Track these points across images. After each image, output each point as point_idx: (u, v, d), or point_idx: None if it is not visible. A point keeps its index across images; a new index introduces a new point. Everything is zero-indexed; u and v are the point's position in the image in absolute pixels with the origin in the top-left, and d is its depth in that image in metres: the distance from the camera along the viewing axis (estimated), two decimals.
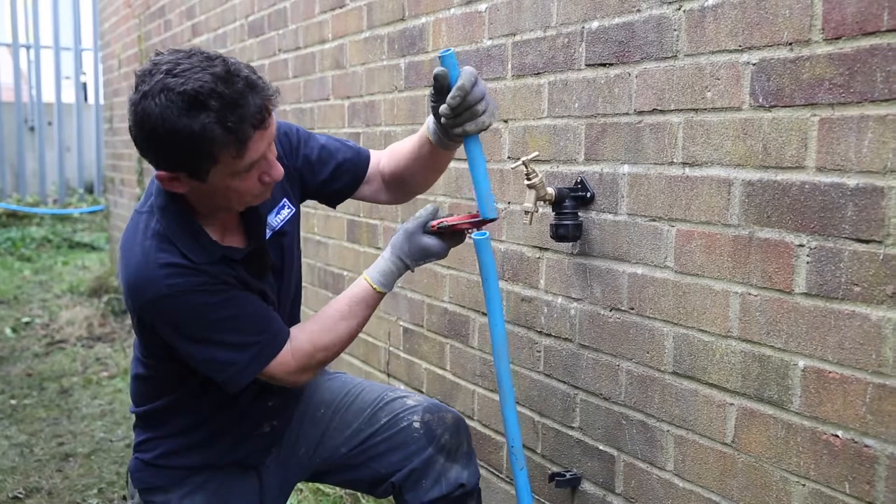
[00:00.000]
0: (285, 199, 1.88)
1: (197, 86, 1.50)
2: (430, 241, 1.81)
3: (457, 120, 1.64)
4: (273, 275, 1.87)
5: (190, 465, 1.92)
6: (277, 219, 1.86)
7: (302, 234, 2.56)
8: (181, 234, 1.70)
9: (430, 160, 1.87)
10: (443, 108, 1.63)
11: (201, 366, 1.75)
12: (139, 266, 1.69)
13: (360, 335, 3.16)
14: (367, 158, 1.98)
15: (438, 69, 1.62)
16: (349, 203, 2.22)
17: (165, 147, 1.55)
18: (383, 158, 1.98)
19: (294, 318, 2.00)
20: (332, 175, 1.95)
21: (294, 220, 1.92)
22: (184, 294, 1.67)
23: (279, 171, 1.66)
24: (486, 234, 1.80)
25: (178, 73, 1.52)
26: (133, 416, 2.02)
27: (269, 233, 1.83)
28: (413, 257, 1.82)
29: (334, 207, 2.06)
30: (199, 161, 1.55)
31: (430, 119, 1.77)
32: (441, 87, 1.63)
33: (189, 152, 1.54)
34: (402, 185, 1.98)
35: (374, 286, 1.83)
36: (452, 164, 2.51)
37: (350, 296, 1.84)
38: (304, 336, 1.81)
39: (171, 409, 1.90)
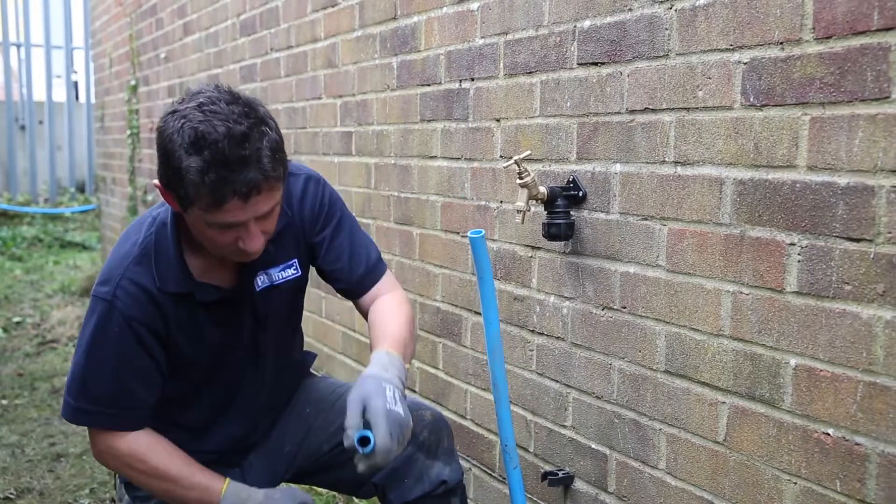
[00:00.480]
0: (295, 261, 1.88)
1: (206, 130, 1.51)
2: None
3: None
4: (256, 323, 1.86)
5: None
6: (280, 275, 1.86)
7: None
8: (163, 257, 1.74)
9: None
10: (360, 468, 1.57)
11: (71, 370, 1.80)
12: (114, 261, 1.76)
13: (353, 334, 3.16)
14: (364, 290, 1.94)
15: (350, 440, 1.54)
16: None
17: (163, 163, 1.58)
18: (371, 308, 1.92)
19: (281, 373, 1.99)
20: (330, 274, 1.95)
21: (297, 284, 1.91)
22: (117, 314, 1.72)
23: (256, 245, 1.62)
24: (481, 232, 1.80)
25: (206, 112, 1.53)
26: None
27: (266, 284, 1.83)
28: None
29: None
30: (180, 193, 1.57)
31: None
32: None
33: (174, 180, 1.56)
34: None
35: (222, 492, 1.79)
36: (445, 164, 2.51)
37: (194, 482, 1.80)
38: (143, 449, 1.79)
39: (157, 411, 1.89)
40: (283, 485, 2.10)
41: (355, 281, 1.94)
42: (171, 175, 1.56)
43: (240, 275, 1.80)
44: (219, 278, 1.79)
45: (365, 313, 1.94)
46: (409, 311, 1.90)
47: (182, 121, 1.54)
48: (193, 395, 1.89)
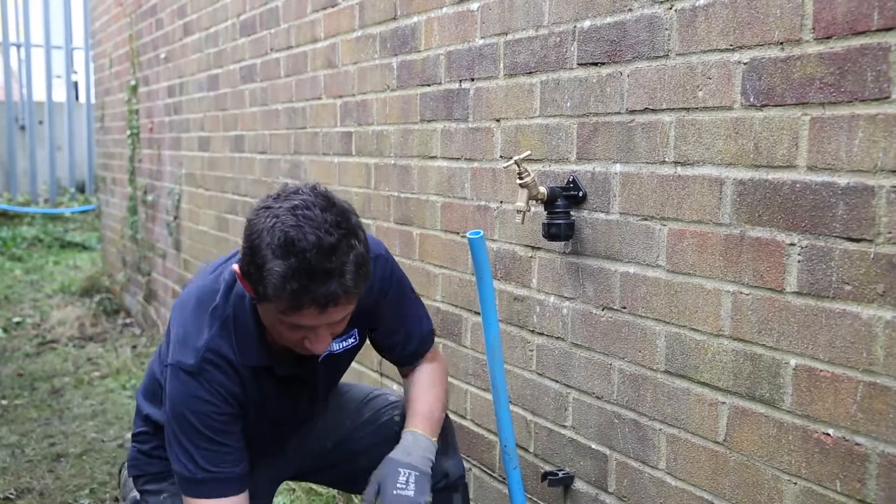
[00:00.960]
0: (355, 331, 1.92)
1: (296, 237, 1.51)
2: None
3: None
4: (314, 390, 1.94)
5: None
6: (341, 345, 1.90)
7: None
8: (242, 329, 1.75)
9: None
10: None
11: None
12: (192, 329, 1.76)
13: None
14: (412, 363, 2.04)
15: None
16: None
17: (247, 255, 1.59)
18: (407, 379, 2.05)
19: (315, 415, 2.05)
20: (383, 347, 2.03)
21: (353, 350, 1.96)
22: (205, 384, 1.72)
23: (322, 347, 1.66)
24: (479, 232, 1.80)
25: (299, 216, 1.54)
26: (136, 404, 2.07)
27: (326, 353, 1.84)
28: None
29: None
30: (258, 288, 1.57)
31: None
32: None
33: (255, 276, 1.56)
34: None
35: None
36: (445, 164, 2.51)
37: None
38: None
39: None
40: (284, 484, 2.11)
41: (407, 355, 2.02)
42: (253, 270, 1.56)
43: (299, 358, 1.82)
44: (289, 353, 1.78)
45: (405, 375, 2.05)
46: (444, 381, 2.03)
47: (274, 220, 1.54)
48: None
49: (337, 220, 1.56)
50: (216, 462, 1.74)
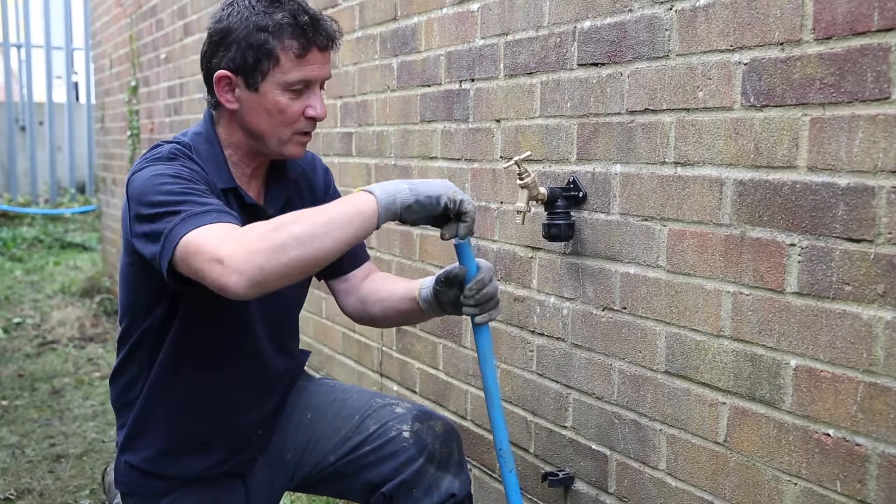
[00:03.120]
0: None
1: None
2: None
3: (470, 310, 1.74)
4: None
5: (178, 475, 1.89)
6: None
7: None
8: (207, 154, 1.79)
9: (410, 317, 1.98)
10: (466, 309, 1.74)
11: (144, 245, 1.62)
12: (143, 157, 1.77)
13: (353, 335, 3.16)
14: (359, 262, 2.03)
15: (458, 268, 1.72)
16: None
17: (236, 42, 1.70)
18: (369, 280, 2.03)
19: (283, 350, 1.99)
20: None
21: None
22: (169, 163, 1.71)
23: (324, 109, 1.77)
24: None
25: None
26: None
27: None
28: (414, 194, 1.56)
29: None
30: (260, 59, 1.69)
31: (427, 290, 1.83)
32: (453, 279, 1.74)
33: (254, 46, 1.69)
34: (370, 319, 2.03)
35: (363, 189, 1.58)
36: (445, 165, 2.51)
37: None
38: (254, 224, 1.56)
39: (153, 399, 1.86)
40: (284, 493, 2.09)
41: (358, 254, 2.02)
42: (252, 43, 1.69)
43: (265, 197, 1.87)
44: (250, 183, 1.85)
45: (366, 296, 2.00)
46: None
47: (243, 2, 1.71)
48: (209, 343, 1.85)
49: None
50: (207, 202, 1.59)
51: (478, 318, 1.75)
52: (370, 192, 1.55)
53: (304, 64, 1.72)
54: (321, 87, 1.79)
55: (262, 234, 1.47)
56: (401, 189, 1.56)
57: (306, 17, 1.71)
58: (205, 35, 1.78)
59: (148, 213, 1.61)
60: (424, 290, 1.85)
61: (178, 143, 1.80)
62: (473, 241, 2.33)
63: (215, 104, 1.82)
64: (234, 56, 1.71)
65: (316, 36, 1.72)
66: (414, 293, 1.88)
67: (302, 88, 1.74)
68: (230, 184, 1.79)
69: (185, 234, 1.51)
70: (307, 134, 1.80)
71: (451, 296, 1.77)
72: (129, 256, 1.80)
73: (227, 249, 1.45)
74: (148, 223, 1.60)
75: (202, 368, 1.86)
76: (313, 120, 1.77)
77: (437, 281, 1.78)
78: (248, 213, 1.79)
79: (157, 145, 1.80)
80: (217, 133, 1.82)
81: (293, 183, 1.94)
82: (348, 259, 2.00)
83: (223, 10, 1.74)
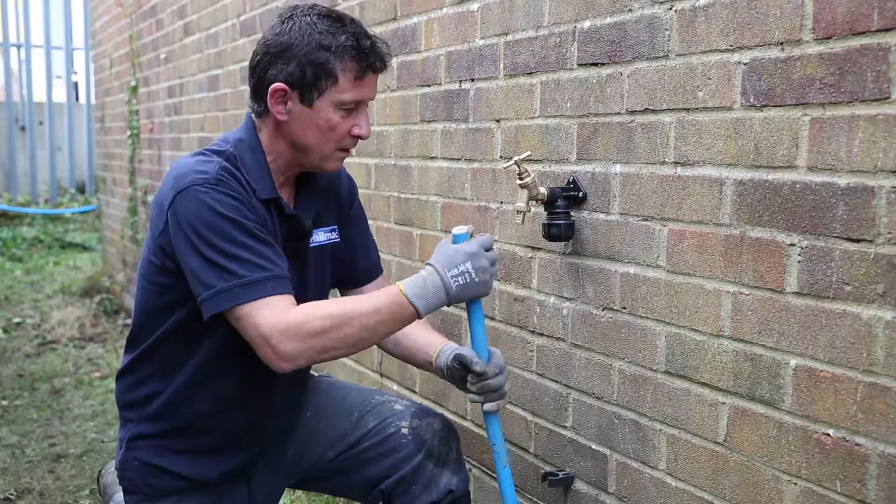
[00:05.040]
0: (336, 227, 1.98)
1: (340, 15, 1.76)
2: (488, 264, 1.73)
3: (473, 396, 1.83)
4: (296, 274, 1.83)
5: (195, 475, 1.87)
6: (324, 236, 1.94)
7: None
8: (250, 163, 1.80)
9: (419, 367, 2.03)
10: (471, 396, 1.83)
11: (192, 278, 1.68)
12: (190, 164, 1.76)
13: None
14: (367, 281, 2.08)
15: (479, 367, 1.79)
16: None
17: (297, 58, 1.72)
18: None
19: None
20: (345, 254, 2.04)
21: (335, 250, 1.99)
22: (220, 191, 1.69)
23: (369, 129, 1.81)
24: (465, 231, 1.76)
25: (316, 14, 1.76)
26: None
27: (316, 244, 1.92)
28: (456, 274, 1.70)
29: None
30: (319, 76, 1.72)
31: (444, 360, 1.88)
32: (464, 364, 1.81)
33: (316, 63, 1.71)
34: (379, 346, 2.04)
35: (402, 290, 1.68)
36: (445, 165, 2.51)
37: (373, 298, 1.73)
38: (307, 309, 1.67)
39: (184, 400, 1.85)
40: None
41: (364, 268, 2.06)
42: (313, 61, 1.71)
43: (298, 201, 1.90)
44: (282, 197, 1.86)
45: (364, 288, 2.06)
46: None
47: (309, 17, 1.74)
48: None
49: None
50: (264, 258, 1.66)
51: (485, 407, 1.83)
52: (415, 306, 1.68)
53: (361, 86, 1.76)
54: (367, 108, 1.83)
55: (315, 331, 1.62)
56: (441, 299, 1.70)
57: (368, 42, 1.75)
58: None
59: (202, 249, 1.65)
60: (442, 359, 1.90)
61: (222, 153, 1.79)
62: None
63: (261, 112, 1.82)
64: (292, 71, 1.73)
65: (374, 60, 1.76)
66: (431, 357, 1.93)
67: (353, 108, 1.78)
68: (273, 194, 1.81)
69: (241, 303, 1.64)
70: (347, 150, 1.83)
71: (460, 376, 1.84)
72: (157, 258, 1.79)
73: (279, 337, 1.61)
74: (199, 259, 1.66)
75: (241, 374, 1.84)
76: (357, 138, 1.81)
77: (455, 358, 1.84)
78: (287, 222, 1.84)
79: (203, 153, 1.80)
80: (259, 140, 1.84)
81: (321, 192, 1.97)
82: (365, 273, 2.07)
83: (283, 23, 1.76)
